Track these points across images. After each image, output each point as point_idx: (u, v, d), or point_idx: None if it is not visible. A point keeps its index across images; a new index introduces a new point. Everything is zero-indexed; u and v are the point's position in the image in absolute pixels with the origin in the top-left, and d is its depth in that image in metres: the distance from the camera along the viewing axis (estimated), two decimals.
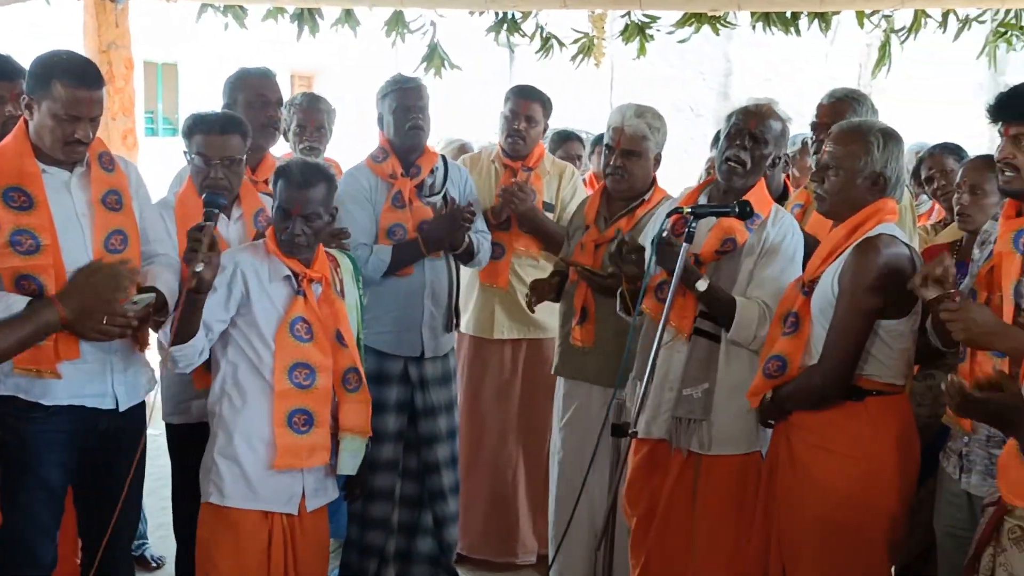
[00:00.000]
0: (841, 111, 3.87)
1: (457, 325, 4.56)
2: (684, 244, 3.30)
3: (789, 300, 3.37)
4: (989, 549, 2.69)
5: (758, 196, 3.60)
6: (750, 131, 3.59)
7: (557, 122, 6.22)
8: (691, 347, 3.63)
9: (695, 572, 3.65)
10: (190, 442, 3.77)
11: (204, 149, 3.69)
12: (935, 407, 3.62)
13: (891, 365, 3.22)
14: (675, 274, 3.29)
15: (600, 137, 6.63)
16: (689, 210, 3.33)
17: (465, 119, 5.42)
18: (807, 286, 3.29)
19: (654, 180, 4.14)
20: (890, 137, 3.25)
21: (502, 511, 4.90)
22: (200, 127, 3.71)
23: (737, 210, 3.38)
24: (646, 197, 4.11)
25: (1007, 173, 3.00)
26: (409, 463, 4.46)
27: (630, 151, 4.01)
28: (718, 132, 4.15)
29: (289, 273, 3.41)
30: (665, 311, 3.32)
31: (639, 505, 3.80)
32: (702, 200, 3.72)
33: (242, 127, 3.78)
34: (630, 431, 3.23)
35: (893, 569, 3.85)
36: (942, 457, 3.27)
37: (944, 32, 5.95)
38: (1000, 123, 3.02)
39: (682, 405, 3.63)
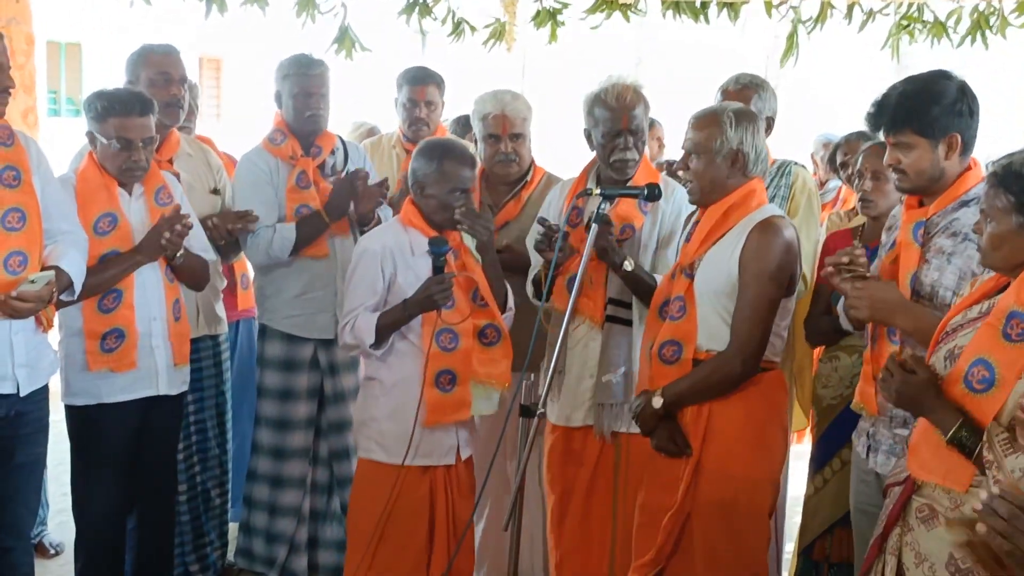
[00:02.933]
0: (747, 97, 3.93)
1: None
2: (594, 225, 3.30)
3: (667, 288, 3.39)
4: (897, 528, 2.71)
5: (646, 172, 3.69)
6: (626, 130, 3.64)
7: (468, 107, 6.21)
8: (605, 335, 3.68)
9: (618, 552, 3.68)
10: (92, 424, 3.71)
11: (125, 132, 3.62)
12: (840, 388, 3.69)
13: (775, 342, 3.31)
14: (586, 250, 3.29)
15: (465, 120, 6.60)
16: (600, 191, 3.34)
17: (377, 103, 5.35)
18: (688, 269, 3.32)
19: (532, 160, 4.17)
20: (743, 116, 3.32)
21: None
22: (118, 109, 3.62)
23: (647, 193, 3.41)
24: (528, 178, 4.13)
25: (898, 178, 3.09)
26: (319, 450, 4.43)
27: (518, 134, 4.05)
28: None
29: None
30: (573, 294, 3.33)
31: (557, 487, 3.83)
32: (590, 181, 3.75)
33: (153, 107, 3.74)
34: (537, 411, 3.24)
35: (796, 546, 3.94)
36: (854, 437, 3.33)
37: (849, 24, 6.05)
38: (880, 133, 3.12)
39: (602, 391, 3.66)
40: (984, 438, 2.45)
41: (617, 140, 3.65)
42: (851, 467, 3.42)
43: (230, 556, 4.58)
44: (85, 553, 3.85)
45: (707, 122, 3.31)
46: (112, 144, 3.61)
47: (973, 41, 5.90)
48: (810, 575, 3.84)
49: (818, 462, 3.84)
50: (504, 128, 4.02)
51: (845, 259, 3.02)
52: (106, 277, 3.61)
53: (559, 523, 3.83)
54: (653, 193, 3.41)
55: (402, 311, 3.48)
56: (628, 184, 3.61)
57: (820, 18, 6.00)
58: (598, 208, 3.32)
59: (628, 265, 3.55)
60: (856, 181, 3.80)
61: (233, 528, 4.67)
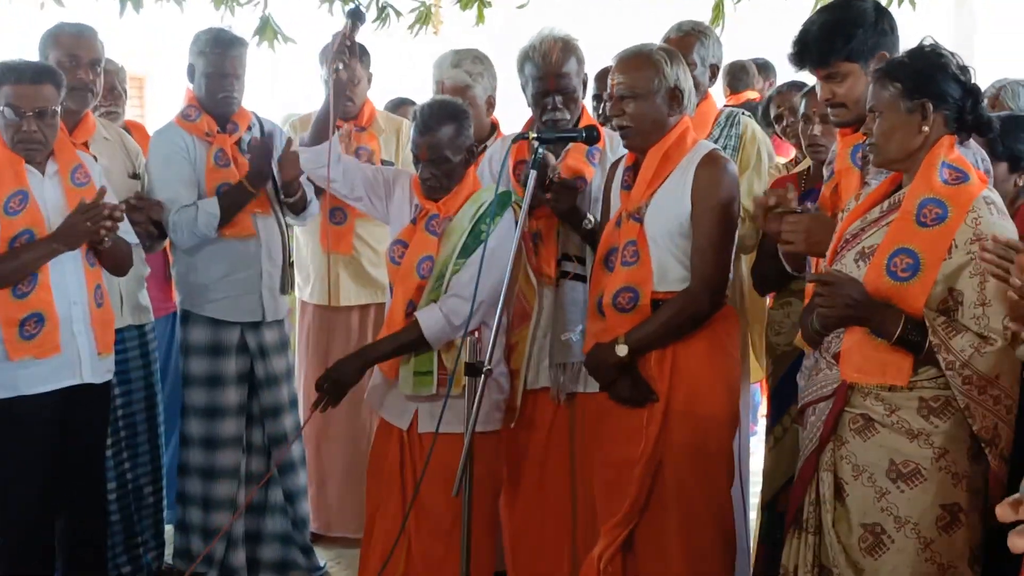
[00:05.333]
0: (690, 44, 3.82)
1: (292, 286, 4.35)
2: (532, 172, 3.17)
3: (612, 236, 3.31)
4: (830, 444, 2.72)
5: (587, 122, 3.62)
6: (554, 91, 3.56)
7: (398, 93, 6.07)
8: (559, 292, 3.57)
9: (579, 520, 3.58)
10: (11, 418, 3.48)
11: (15, 100, 3.43)
12: (793, 334, 3.58)
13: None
14: (525, 200, 3.14)
15: None
16: (535, 135, 3.21)
17: (305, 92, 5.23)
18: (636, 214, 3.24)
19: (495, 125, 4.02)
20: (672, 53, 3.31)
21: (358, 484, 4.62)
22: (9, 77, 3.44)
23: (584, 135, 3.30)
24: (488, 143, 3.99)
25: (837, 112, 3.05)
26: (253, 438, 4.24)
27: None
28: None
29: (417, 203, 3.49)
30: (513, 248, 3.18)
31: (509, 457, 3.69)
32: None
33: (55, 76, 3.54)
34: (484, 368, 3.08)
35: (759, 501, 3.83)
36: (799, 378, 3.26)
37: None
38: (807, 69, 3.10)
39: (559, 351, 3.55)
40: (928, 325, 2.52)
41: (546, 100, 3.58)
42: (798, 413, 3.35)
43: (168, 559, 4.36)
44: (10, 557, 3.58)
45: (640, 63, 3.24)
46: (4, 112, 3.43)
47: (900, 3, 5.88)
48: (775, 529, 3.71)
49: (775, 412, 3.74)
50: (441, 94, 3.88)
51: (772, 200, 2.99)
52: (20, 264, 3.41)
53: (512, 496, 3.69)
54: (592, 135, 3.30)
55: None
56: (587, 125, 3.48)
57: None
58: (535, 154, 3.18)
59: (588, 223, 3.48)
60: (802, 126, 3.73)
61: (171, 530, 4.46)
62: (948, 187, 2.61)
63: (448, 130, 3.37)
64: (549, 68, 3.54)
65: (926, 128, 2.65)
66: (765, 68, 7.02)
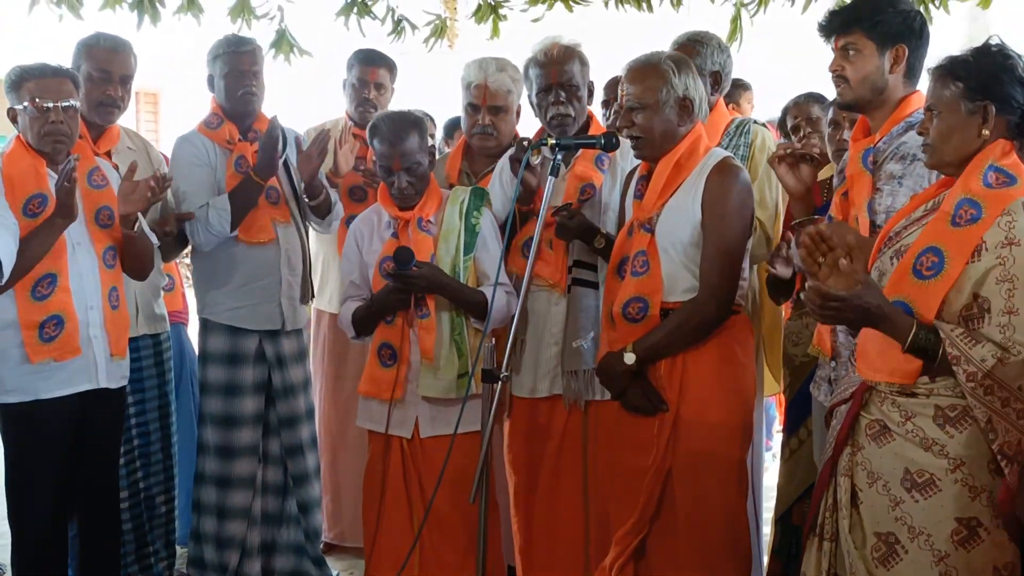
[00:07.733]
0: (687, 55, 3.82)
1: (312, 295, 4.35)
2: (551, 177, 3.18)
3: (624, 245, 3.31)
4: (847, 449, 2.67)
5: (597, 129, 3.64)
6: (557, 84, 3.59)
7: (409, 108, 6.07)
8: (570, 299, 3.57)
9: (592, 530, 3.56)
10: (28, 422, 3.50)
11: (40, 92, 3.45)
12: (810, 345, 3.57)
13: (740, 284, 3.26)
14: (540, 215, 3.18)
15: (454, 122, 6.48)
16: (554, 142, 3.22)
17: (323, 105, 5.25)
18: (647, 224, 3.23)
19: (516, 134, 4.03)
20: (681, 61, 3.29)
21: None
22: (32, 73, 3.49)
23: (603, 142, 3.30)
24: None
25: (840, 87, 3.05)
26: (270, 447, 4.22)
27: (497, 107, 3.89)
28: None
29: (389, 219, 3.58)
30: (531, 259, 3.19)
31: (520, 467, 3.69)
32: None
33: (73, 75, 3.59)
34: (501, 375, 3.08)
35: (773, 515, 3.81)
36: (813, 388, 3.25)
37: (792, 5, 6.00)
38: (831, 39, 3.08)
39: (571, 358, 3.54)
40: (943, 337, 2.44)
41: (549, 96, 3.61)
42: (814, 423, 3.33)
43: (180, 567, 4.36)
44: (23, 562, 3.60)
45: (647, 73, 3.24)
46: (28, 110, 3.45)
47: None
48: (789, 543, 3.70)
49: (792, 424, 3.72)
50: (483, 99, 3.88)
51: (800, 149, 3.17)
52: (30, 251, 3.39)
53: (525, 504, 3.69)
54: (611, 142, 3.30)
55: (367, 308, 3.56)
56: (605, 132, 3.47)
57: (763, 1, 5.95)
58: (553, 160, 3.19)
59: (600, 242, 3.48)
60: (830, 132, 3.75)
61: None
62: (989, 190, 2.51)
63: (415, 137, 3.51)
64: (551, 61, 3.59)
65: (986, 132, 2.55)
66: None
